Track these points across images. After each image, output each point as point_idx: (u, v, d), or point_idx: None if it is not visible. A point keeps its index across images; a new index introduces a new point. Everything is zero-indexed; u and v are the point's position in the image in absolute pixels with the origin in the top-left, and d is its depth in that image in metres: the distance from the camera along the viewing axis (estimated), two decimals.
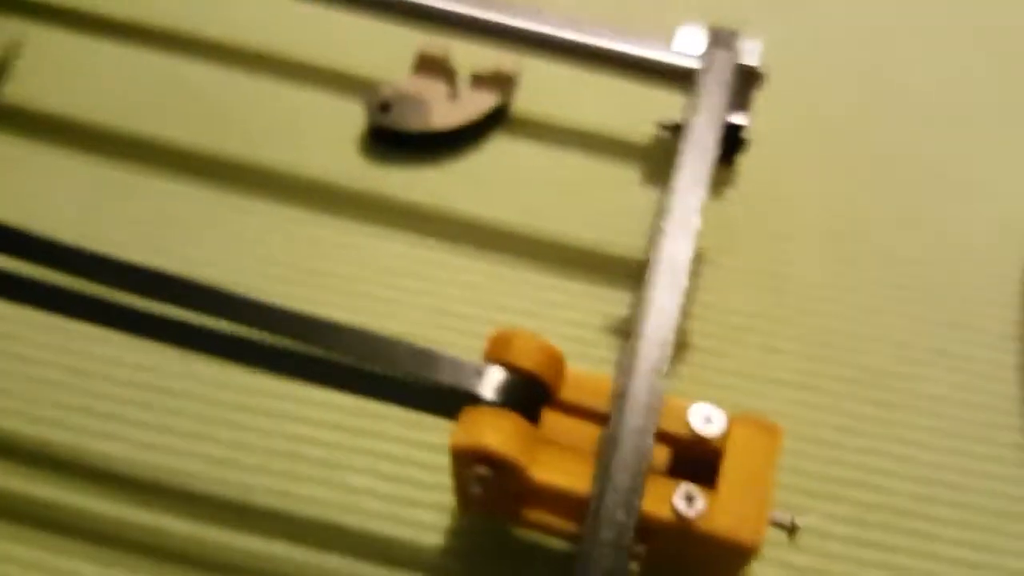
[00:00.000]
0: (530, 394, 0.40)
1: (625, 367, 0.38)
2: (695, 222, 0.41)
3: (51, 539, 0.45)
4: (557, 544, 0.45)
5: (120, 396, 0.49)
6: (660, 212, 0.43)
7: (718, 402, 0.49)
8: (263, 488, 0.46)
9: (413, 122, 0.56)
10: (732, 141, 0.46)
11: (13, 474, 0.46)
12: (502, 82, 0.58)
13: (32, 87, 0.59)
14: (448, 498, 0.46)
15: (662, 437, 0.38)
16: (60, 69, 0.60)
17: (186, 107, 0.59)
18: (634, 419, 0.36)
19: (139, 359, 0.50)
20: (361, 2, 0.52)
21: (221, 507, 0.46)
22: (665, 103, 0.55)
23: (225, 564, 0.44)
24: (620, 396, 0.36)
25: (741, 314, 0.53)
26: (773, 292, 0.54)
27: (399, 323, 0.52)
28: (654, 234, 0.42)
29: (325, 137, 0.58)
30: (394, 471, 0.47)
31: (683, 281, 0.39)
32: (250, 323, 0.42)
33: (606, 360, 0.51)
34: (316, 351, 0.40)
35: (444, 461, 0.47)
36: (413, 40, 0.57)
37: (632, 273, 0.54)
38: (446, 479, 0.47)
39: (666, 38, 0.52)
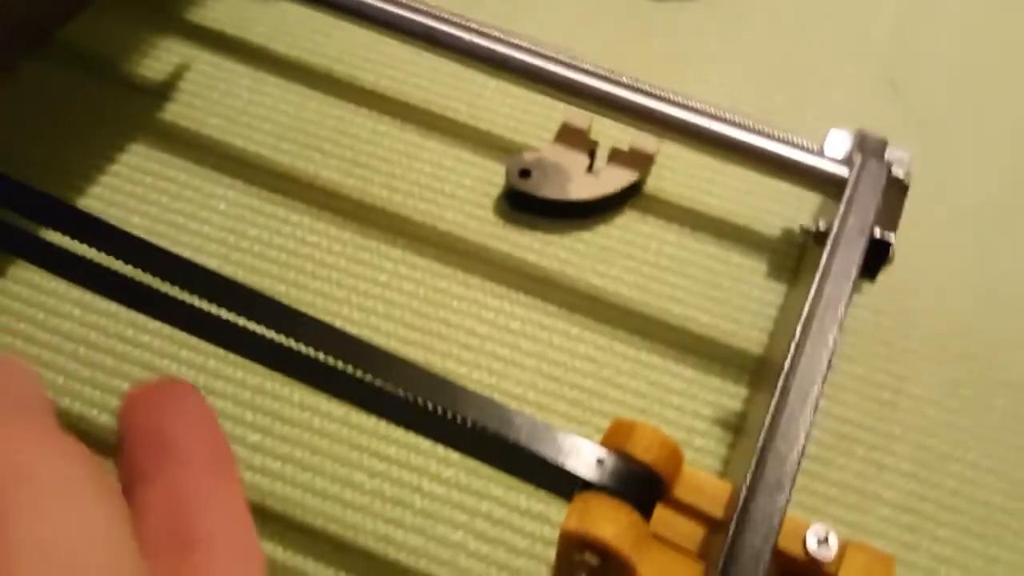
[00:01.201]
0: (646, 488, 0.40)
1: (748, 478, 0.38)
2: (832, 339, 0.41)
3: None
4: None
5: (240, 417, 0.51)
6: (796, 321, 0.43)
7: (815, 512, 0.49)
8: (365, 529, 0.48)
9: (550, 191, 0.57)
10: (877, 256, 0.46)
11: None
12: (640, 159, 0.59)
13: (193, 110, 0.62)
14: (537, 568, 0.47)
15: (776, 554, 0.38)
16: (221, 97, 0.63)
17: (335, 149, 0.61)
18: (754, 536, 0.36)
19: (260, 382, 0.52)
20: (513, 70, 0.53)
21: (322, 540, 0.47)
22: (796, 196, 0.55)
23: None
24: (742, 510, 0.36)
25: (851, 424, 0.53)
26: (887, 406, 0.54)
27: (512, 384, 0.53)
28: (787, 343, 0.42)
29: (465, 195, 0.60)
30: (491, 532, 0.48)
31: (815, 400, 0.39)
32: (377, 373, 0.43)
33: (707, 450, 0.51)
34: (437, 408, 0.42)
35: (540, 529, 0.48)
36: (559, 108, 0.59)
37: (747, 367, 0.54)
38: (540, 547, 0.48)
39: (811, 139, 0.53)
